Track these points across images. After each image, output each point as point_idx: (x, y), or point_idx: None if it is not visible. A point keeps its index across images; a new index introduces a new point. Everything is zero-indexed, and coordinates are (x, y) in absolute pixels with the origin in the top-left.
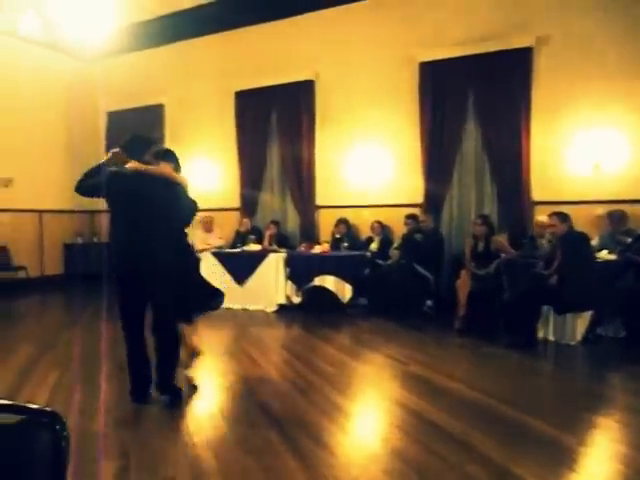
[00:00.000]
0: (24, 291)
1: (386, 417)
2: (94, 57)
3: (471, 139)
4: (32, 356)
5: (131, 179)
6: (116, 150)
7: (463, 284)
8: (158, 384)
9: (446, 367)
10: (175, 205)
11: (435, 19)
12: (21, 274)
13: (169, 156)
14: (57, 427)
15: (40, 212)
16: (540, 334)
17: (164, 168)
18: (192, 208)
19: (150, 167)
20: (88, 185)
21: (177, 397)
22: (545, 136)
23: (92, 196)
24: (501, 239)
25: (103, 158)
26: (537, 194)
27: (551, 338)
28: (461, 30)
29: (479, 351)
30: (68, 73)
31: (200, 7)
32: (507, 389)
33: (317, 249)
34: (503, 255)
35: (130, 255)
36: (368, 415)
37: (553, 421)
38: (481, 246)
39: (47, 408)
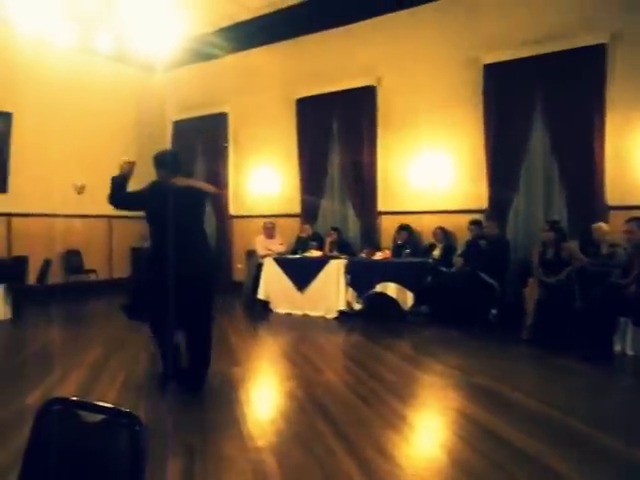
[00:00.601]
0: (94, 293)
1: (451, 429)
2: (161, 68)
3: (539, 142)
4: (102, 356)
5: (183, 191)
6: (132, 160)
7: (531, 292)
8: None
9: (514, 379)
10: (203, 210)
11: (500, 19)
12: (91, 277)
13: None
14: (136, 428)
15: (109, 217)
16: (617, 347)
17: (202, 182)
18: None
19: (195, 181)
20: (125, 197)
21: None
22: (621, 136)
23: (128, 207)
24: (573, 246)
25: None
26: (612, 198)
27: (629, 352)
28: (528, 29)
29: (550, 363)
30: (136, 84)
31: (261, 17)
32: (582, 405)
33: (378, 256)
34: (575, 262)
35: (182, 259)
36: (433, 426)
37: (637, 443)
38: (550, 253)
39: (127, 410)
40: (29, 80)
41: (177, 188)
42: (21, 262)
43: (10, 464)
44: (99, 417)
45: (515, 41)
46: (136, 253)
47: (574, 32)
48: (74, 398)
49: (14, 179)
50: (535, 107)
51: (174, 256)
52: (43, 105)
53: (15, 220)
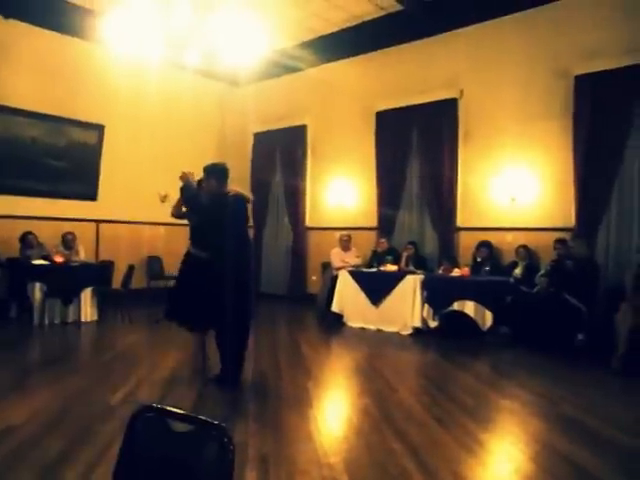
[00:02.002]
0: None
1: (530, 456)
2: (244, 81)
3: (635, 157)
4: (181, 360)
5: (235, 200)
6: (190, 172)
7: (624, 318)
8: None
9: (602, 410)
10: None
11: (593, 27)
12: (171, 283)
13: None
14: (225, 440)
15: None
16: None
17: (244, 191)
18: None
19: (241, 191)
20: (181, 212)
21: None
22: None
23: (183, 218)
24: None
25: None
26: None
27: None
28: (623, 38)
29: None
30: (220, 97)
31: (342, 31)
32: None
33: (456, 272)
34: None
35: (230, 258)
36: (510, 452)
37: None
38: None
39: (216, 422)
40: (120, 94)
41: (231, 198)
42: (107, 267)
43: (95, 461)
44: (188, 427)
45: (610, 51)
46: None
47: None
48: (165, 407)
49: (103, 188)
50: (632, 120)
51: (227, 260)
52: (132, 118)
53: (103, 226)
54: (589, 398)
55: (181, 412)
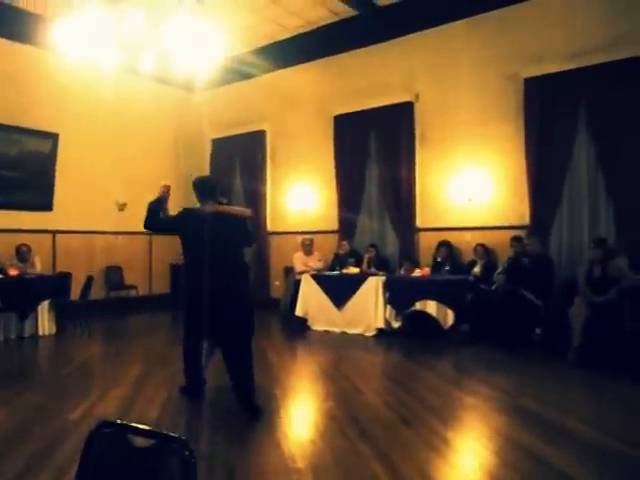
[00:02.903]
0: (134, 309)
1: (495, 452)
2: (200, 88)
3: (583, 156)
4: (143, 373)
5: (211, 217)
6: (167, 184)
7: (577, 312)
8: (245, 401)
9: (562, 403)
10: (241, 234)
11: (540, 33)
12: (132, 293)
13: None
14: (186, 453)
15: (150, 235)
16: None
17: (230, 208)
18: (252, 234)
19: (224, 207)
20: (158, 222)
21: (258, 413)
22: None
23: (163, 232)
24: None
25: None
26: None
27: None
28: (569, 42)
29: (599, 387)
30: (176, 104)
31: (298, 36)
32: (637, 432)
33: (417, 273)
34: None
35: (209, 278)
36: (475, 449)
37: None
38: (597, 271)
39: (177, 435)
40: (74, 102)
41: (205, 215)
42: (65, 278)
43: (55, 478)
44: (149, 442)
45: (556, 54)
46: (175, 270)
47: (617, 44)
48: (124, 422)
49: (59, 197)
50: (578, 120)
51: (205, 278)
52: (87, 126)
53: (59, 237)
54: (547, 391)
55: (140, 427)
